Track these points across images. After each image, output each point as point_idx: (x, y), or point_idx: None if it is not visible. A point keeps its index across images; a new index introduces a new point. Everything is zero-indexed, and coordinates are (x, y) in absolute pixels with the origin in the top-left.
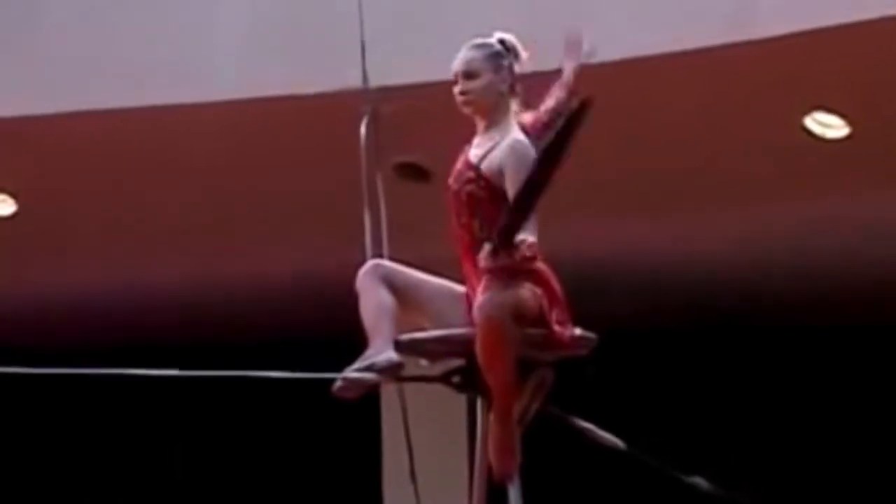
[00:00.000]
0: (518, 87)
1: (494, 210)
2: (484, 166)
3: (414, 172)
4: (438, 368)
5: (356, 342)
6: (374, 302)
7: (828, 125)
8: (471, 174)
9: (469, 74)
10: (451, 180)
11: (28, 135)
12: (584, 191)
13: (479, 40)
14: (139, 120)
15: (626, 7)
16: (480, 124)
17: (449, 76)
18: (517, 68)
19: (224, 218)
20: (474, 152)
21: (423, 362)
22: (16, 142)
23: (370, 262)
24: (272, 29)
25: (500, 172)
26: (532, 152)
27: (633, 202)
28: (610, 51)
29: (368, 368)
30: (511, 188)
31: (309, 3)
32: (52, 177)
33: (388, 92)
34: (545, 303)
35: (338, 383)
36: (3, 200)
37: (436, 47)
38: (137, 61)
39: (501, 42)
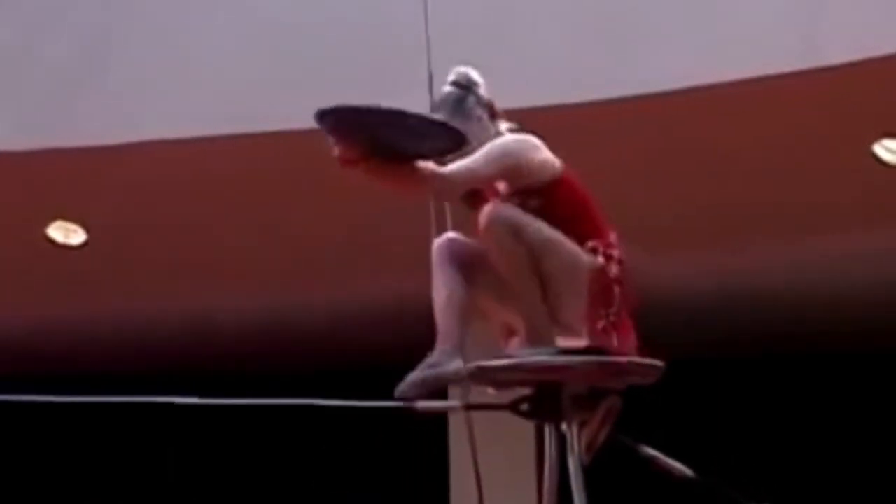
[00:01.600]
0: None
1: None
2: None
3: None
4: (507, 396)
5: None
6: (444, 291)
7: None
8: None
9: None
10: None
11: (98, 165)
12: (653, 222)
13: None
14: (210, 151)
15: (695, 37)
16: None
17: (516, 104)
18: None
19: (293, 248)
20: None
21: (491, 390)
22: (86, 172)
23: (444, 237)
24: (333, 60)
25: None
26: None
27: (703, 232)
28: (677, 80)
29: (435, 378)
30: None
31: (373, 31)
32: (121, 207)
33: None
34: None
35: (401, 387)
36: (74, 230)
37: (502, 75)
38: (210, 91)
39: None
